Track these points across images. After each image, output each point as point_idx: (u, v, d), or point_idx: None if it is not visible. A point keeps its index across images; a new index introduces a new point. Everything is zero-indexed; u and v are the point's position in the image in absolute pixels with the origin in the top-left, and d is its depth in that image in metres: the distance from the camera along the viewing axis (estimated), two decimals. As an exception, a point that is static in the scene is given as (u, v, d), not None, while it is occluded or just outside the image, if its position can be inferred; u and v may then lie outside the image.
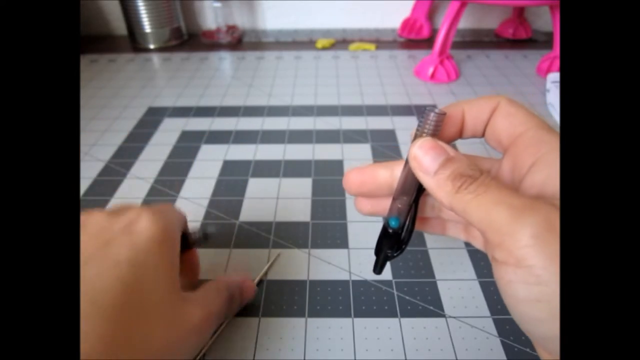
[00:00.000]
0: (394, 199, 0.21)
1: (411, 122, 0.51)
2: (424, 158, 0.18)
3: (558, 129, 0.17)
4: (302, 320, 0.28)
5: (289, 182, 0.41)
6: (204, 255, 0.33)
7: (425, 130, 0.19)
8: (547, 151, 0.17)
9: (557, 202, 0.15)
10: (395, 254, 0.22)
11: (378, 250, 0.23)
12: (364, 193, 0.23)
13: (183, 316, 0.20)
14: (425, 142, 0.18)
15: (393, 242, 0.22)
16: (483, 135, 0.21)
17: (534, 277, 0.14)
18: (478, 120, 0.20)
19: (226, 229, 0.35)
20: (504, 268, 0.15)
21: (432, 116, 0.19)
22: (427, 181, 0.18)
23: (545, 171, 0.17)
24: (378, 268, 0.23)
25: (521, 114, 0.19)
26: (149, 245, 0.20)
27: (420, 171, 0.18)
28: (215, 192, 0.39)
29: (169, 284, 0.20)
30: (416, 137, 0.19)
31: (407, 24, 0.80)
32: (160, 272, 0.20)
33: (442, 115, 0.19)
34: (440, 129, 0.19)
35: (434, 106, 0.19)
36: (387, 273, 0.31)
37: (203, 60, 0.72)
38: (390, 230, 0.22)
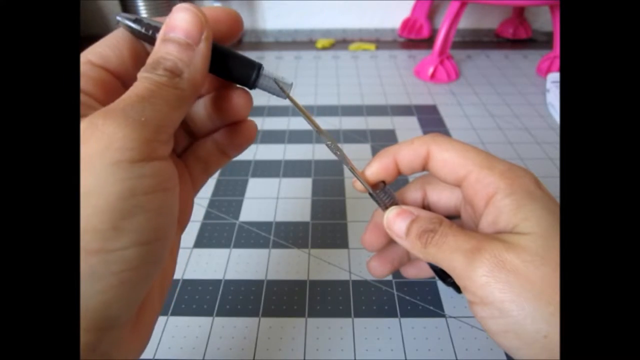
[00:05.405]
0: None
1: (411, 122, 0.51)
2: (394, 226, 0.20)
3: (558, 129, 0.17)
4: (302, 320, 0.28)
5: (289, 182, 0.41)
6: (204, 256, 0.33)
7: (384, 204, 0.22)
8: (493, 194, 0.19)
9: (508, 236, 0.17)
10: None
11: (447, 283, 0.25)
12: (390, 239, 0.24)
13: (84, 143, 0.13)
14: (391, 212, 0.21)
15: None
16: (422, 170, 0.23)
17: (497, 311, 0.16)
18: (412, 168, 0.22)
19: (226, 229, 0.35)
20: (475, 307, 0.18)
21: (379, 194, 0.22)
22: (403, 244, 0.21)
23: (494, 213, 0.19)
24: (456, 289, 0.25)
25: (456, 157, 0.20)
26: None
27: (397, 238, 0.21)
28: (215, 192, 0.39)
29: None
30: (384, 210, 0.22)
31: (407, 24, 0.80)
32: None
33: (383, 188, 0.22)
34: (392, 194, 0.22)
35: (383, 182, 0.22)
36: (387, 273, 0.31)
37: (203, 60, 0.72)
38: (439, 268, 0.23)
